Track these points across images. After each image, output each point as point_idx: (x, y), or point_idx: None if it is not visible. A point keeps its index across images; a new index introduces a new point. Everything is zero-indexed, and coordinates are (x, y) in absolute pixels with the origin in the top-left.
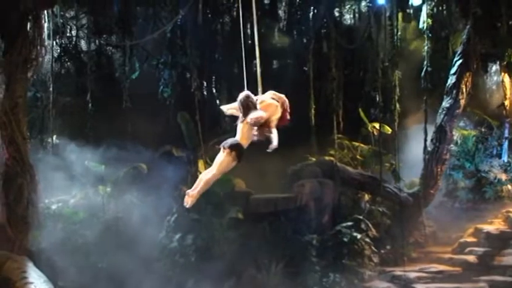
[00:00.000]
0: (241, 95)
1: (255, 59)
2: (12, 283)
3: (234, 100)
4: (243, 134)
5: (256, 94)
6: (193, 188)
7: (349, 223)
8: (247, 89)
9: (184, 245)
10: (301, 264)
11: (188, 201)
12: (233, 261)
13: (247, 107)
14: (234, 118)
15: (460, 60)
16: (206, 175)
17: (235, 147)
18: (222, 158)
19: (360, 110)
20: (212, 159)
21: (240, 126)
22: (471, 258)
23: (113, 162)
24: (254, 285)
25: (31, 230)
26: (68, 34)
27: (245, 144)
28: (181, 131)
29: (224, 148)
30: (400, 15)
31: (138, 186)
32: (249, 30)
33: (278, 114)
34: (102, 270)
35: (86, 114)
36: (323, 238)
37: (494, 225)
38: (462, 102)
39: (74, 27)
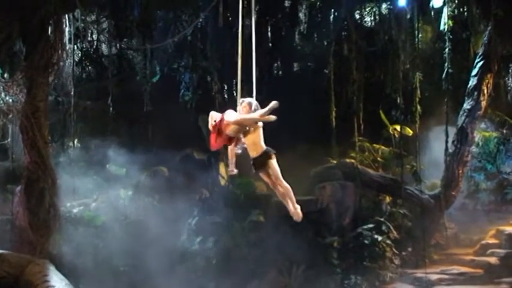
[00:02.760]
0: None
1: (274, 61)
2: (34, 286)
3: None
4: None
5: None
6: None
7: (370, 225)
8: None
9: (206, 248)
10: (323, 267)
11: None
12: (254, 264)
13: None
14: None
15: (481, 62)
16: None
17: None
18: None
19: (381, 112)
20: None
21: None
22: (493, 259)
23: (134, 165)
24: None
25: (52, 234)
26: (88, 38)
27: None
28: (202, 134)
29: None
30: (420, 17)
31: (159, 189)
32: (269, 33)
33: None
34: (124, 273)
35: (107, 118)
36: (344, 240)
37: None
38: (483, 103)
39: (95, 31)
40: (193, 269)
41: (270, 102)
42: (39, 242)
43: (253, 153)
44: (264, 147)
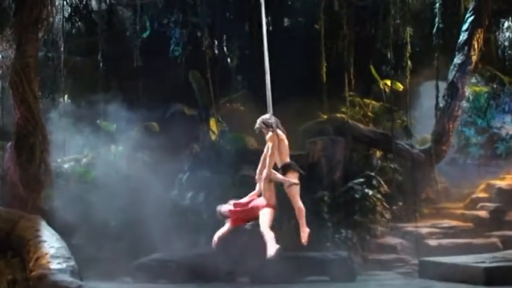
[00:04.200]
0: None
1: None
2: (26, 241)
3: (245, 58)
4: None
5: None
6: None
7: (361, 180)
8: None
9: (196, 202)
10: (313, 221)
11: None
12: None
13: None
14: (244, 76)
15: (472, 17)
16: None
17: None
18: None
19: (372, 67)
20: (223, 118)
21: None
22: (483, 213)
23: (124, 121)
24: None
25: (44, 189)
26: None
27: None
28: (193, 89)
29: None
30: None
31: (149, 145)
32: None
33: None
34: (115, 228)
35: (97, 73)
36: (335, 195)
37: (506, 181)
38: (474, 58)
39: None
40: (185, 224)
41: (260, 57)
42: (31, 198)
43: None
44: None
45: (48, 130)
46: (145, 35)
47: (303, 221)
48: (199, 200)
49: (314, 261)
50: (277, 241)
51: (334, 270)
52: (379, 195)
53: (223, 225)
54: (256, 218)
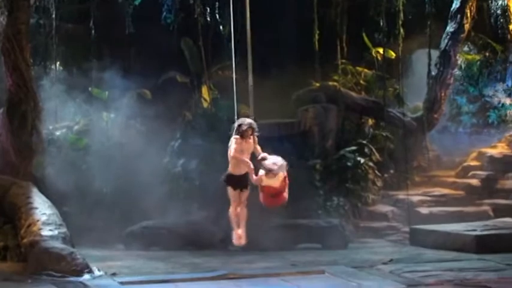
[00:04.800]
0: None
1: None
2: (18, 208)
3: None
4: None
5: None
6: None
7: (353, 148)
8: None
9: (189, 169)
10: (305, 189)
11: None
12: None
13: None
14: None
15: None
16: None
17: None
18: None
19: (364, 34)
20: (215, 85)
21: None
22: (474, 182)
23: (116, 88)
24: (257, 208)
25: (35, 156)
26: None
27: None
28: (185, 57)
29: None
30: None
31: (141, 112)
32: None
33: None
34: (107, 195)
35: (89, 40)
36: (327, 163)
37: (497, 149)
38: (466, 26)
39: None
40: (176, 191)
41: (253, 24)
42: (22, 164)
43: (239, 171)
44: None
45: (40, 97)
46: (137, 2)
47: (244, 223)
48: (191, 167)
49: (306, 228)
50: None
51: (326, 238)
52: (371, 163)
53: (215, 194)
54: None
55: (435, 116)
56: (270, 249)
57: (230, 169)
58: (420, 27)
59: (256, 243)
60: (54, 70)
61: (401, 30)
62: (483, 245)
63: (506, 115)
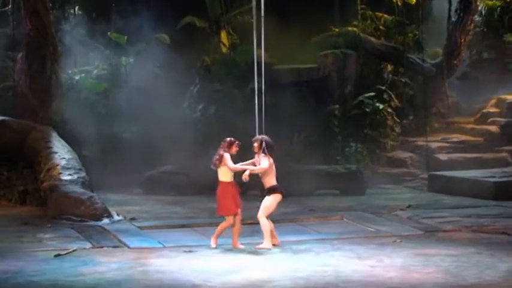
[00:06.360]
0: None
1: None
2: (37, 152)
3: None
4: None
5: None
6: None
7: (372, 93)
8: None
9: (207, 115)
10: (324, 134)
11: None
12: (255, 131)
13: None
14: None
15: None
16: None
17: None
18: None
19: None
20: (234, 30)
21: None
22: (493, 128)
23: (135, 33)
24: (276, 155)
25: (54, 101)
26: None
27: None
28: (204, 1)
29: None
30: None
31: (160, 57)
32: None
33: None
34: (125, 140)
35: None
36: (345, 108)
37: None
38: None
39: None
40: (195, 136)
41: None
42: (42, 109)
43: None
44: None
45: (59, 42)
46: None
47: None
48: (210, 113)
49: (324, 174)
50: None
51: (344, 184)
52: (389, 109)
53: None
54: None
55: (455, 62)
56: (288, 195)
57: (273, 182)
58: None
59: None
60: (73, 14)
61: None
62: (501, 191)
63: None
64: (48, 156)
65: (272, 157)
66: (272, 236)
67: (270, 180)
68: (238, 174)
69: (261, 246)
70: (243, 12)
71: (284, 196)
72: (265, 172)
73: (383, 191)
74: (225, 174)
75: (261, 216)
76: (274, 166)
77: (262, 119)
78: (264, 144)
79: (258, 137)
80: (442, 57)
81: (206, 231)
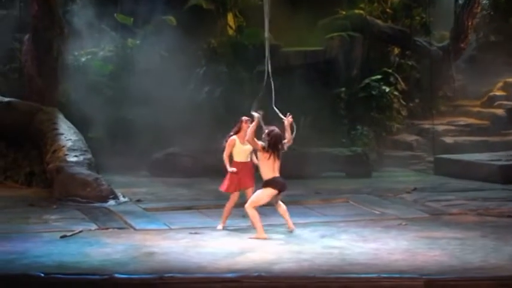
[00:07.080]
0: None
1: None
2: (43, 134)
3: None
4: None
5: None
6: None
7: (378, 76)
8: None
9: (213, 97)
10: (330, 117)
11: None
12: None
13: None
14: None
15: None
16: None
17: None
18: None
19: None
20: (241, 12)
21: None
22: (500, 111)
23: (141, 15)
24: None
25: (61, 82)
26: None
27: None
28: None
29: None
30: None
31: (166, 39)
32: None
33: None
34: (132, 122)
35: None
36: (352, 91)
37: None
38: None
39: None
40: (200, 119)
41: None
42: (48, 90)
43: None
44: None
45: (66, 24)
46: None
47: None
48: (216, 95)
49: (330, 157)
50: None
51: (350, 166)
52: (396, 92)
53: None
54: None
55: (461, 45)
56: (294, 177)
57: (270, 175)
58: None
59: (280, 171)
60: None
61: None
62: (507, 174)
63: None
64: (54, 138)
65: (276, 154)
66: (286, 220)
67: (267, 173)
68: None
69: (254, 236)
70: None
71: (282, 191)
72: (261, 164)
73: (389, 174)
74: (236, 155)
75: (248, 207)
76: (275, 161)
77: (273, 101)
78: (270, 138)
79: (271, 128)
80: (449, 40)
81: (212, 213)
